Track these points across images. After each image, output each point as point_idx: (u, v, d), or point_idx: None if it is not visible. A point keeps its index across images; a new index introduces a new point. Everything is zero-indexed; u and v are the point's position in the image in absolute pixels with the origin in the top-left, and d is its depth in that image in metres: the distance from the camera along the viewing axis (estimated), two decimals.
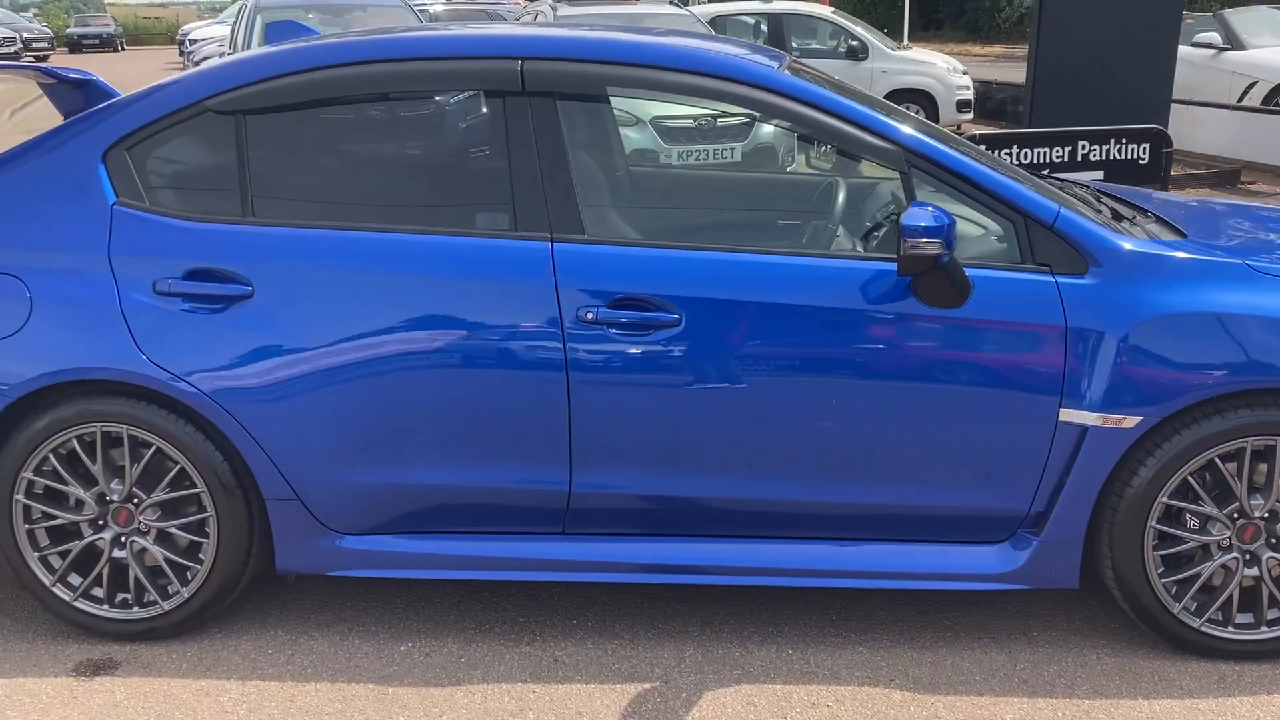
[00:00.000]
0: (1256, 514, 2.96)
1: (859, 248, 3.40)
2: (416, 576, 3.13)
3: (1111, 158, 8.80)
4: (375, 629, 3.24)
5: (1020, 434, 2.94)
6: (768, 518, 3.07)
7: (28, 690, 2.96)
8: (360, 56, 3.10)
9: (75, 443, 3.04)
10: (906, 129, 3.02)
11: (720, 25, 13.59)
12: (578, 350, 2.92)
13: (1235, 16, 12.77)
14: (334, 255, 2.98)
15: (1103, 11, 8.83)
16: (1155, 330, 2.87)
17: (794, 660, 3.07)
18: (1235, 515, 2.96)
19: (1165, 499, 2.94)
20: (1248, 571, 3.00)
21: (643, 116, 8.56)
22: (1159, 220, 3.38)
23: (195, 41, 24.61)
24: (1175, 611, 3.01)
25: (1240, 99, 11.69)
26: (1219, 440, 2.89)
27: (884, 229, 3.23)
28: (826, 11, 14.49)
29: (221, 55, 10.16)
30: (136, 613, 3.15)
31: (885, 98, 9.02)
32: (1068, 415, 2.91)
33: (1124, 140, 9.14)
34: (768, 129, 9.16)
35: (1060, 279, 2.91)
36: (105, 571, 3.13)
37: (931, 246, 2.73)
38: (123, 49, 44.99)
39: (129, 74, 25.92)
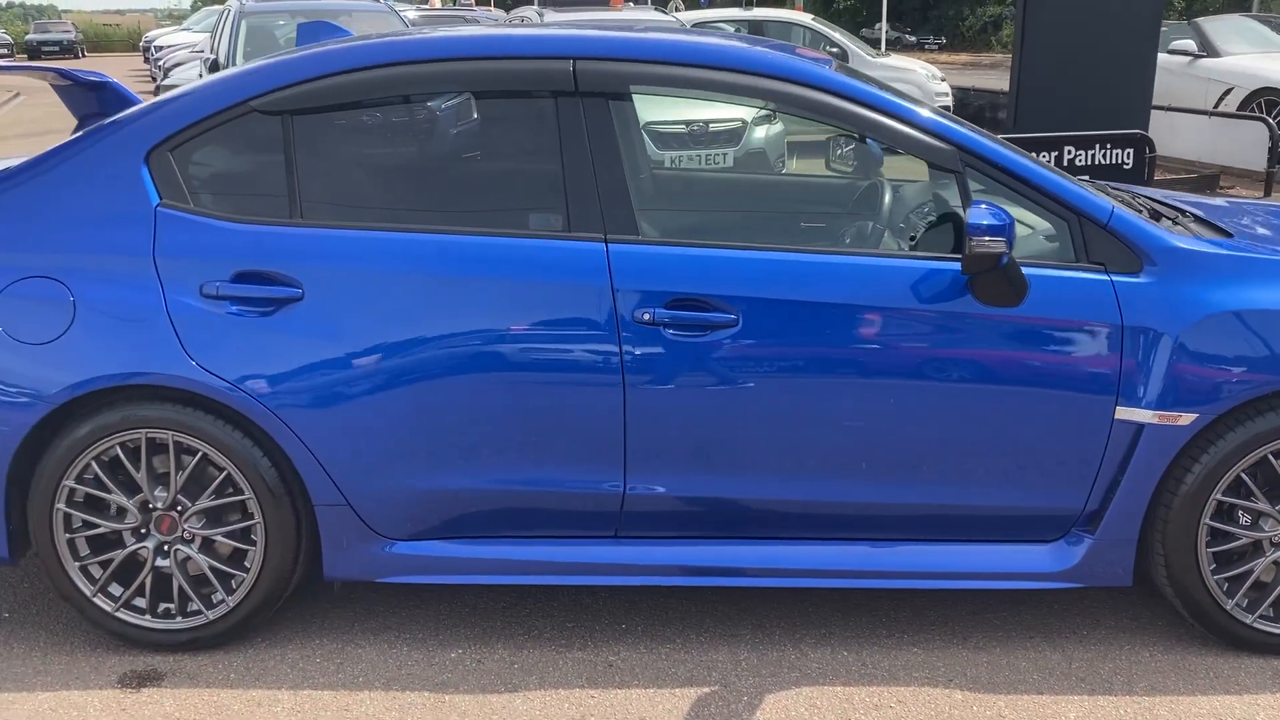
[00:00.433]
0: None
1: (905, 247, 3.40)
2: (467, 582, 3.09)
3: (1096, 162, 8.92)
4: (422, 636, 3.19)
5: (1076, 432, 2.95)
6: (822, 519, 3.06)
7: (74, 703, 2.89)
8: (409, 56, 3.06)
9: (118, 449, 2.98)
10: (962, 128, 3.03)
11: (701, 31, 13.60)
12: (633, 351, 2.90)
13: (1210, 24, 12.97)
14: (384, 257, 2.94)
15: (1084, 20, 8.94)
16: (1210, 328, 2.89)
17: (850, 662, 3.06)
18: None
19: (1219, 495, 2.96)
20: None
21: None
22: (1198, 219, 3.41)
23: (161, 49, 24.34)
24: (1228, 608, 3.03)
25: (1216, 105, 11.85)
26: (1272, 436, 2.92)
27: (931, 228, 3.23)
28: (807, 19, 14.58)
29: (208, 61, 10.02)
30: (180, 622, 3.09)
31: None
32: (1124, 413, 2.92)
33: (1109, 145, 9.27)
34: (759, 134, 9.19)
35: (1115, 278, 2.93)
36: (148, 581, 3.07)
37: (996, 245, 2.73)
38: (83, 55, 44.45)
39: None
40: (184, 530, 3.04)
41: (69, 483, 2.98)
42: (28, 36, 44.38)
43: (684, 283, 2.91)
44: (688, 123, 8.74)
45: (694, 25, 12.84)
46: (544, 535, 3.09)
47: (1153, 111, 9.67)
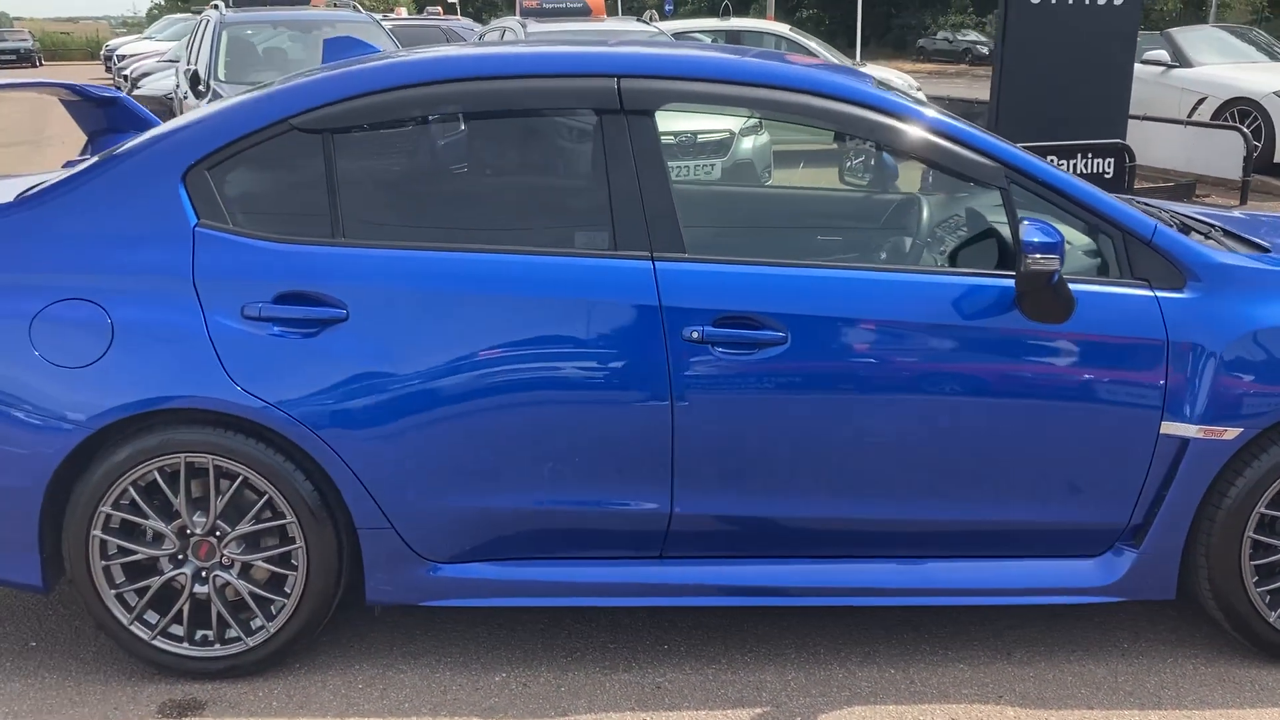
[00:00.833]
0: None
1: (941, 262, 3.40)
2: (512, 605, 3.06)
3: (1079, 172, 9.03)
4: (464, 660, 3.15)
5: (1122, 447, 2.96)
6: (869, 536, 3.06)
7: None
8: (450, 74, 3.02)
9: (156, 474, 2.91)
10: (1007, 145, 3.04)
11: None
12: (682, 370, 2.88)
13: (1182, 35, 13.14)
14: (430, 276, 2.90)
15: (1063, 34, 9.04)
16: (1255, 343, 2.91)
17: (898, 680, 3.05)
18: None
19: (1262, 508, 2.98)
20: None
21: None
22: (1228, 234, 3.44)
23: (124, 58, 24.04)
24: (1271, 620, 3.06)
25: (1190, 114, 12.01)
26: None
27: (966, 244, 3.23)
28: (783, 29, 14.63)
29: (188, 73, 9.89)
30: (218, 650, 3.02)
31: None
32: (1169, 428, 2.94)
33: (1090, 155, 9.41)
34: (746, 145, 9.20)
35: (1160, 294, 2.95)
36: (185, 608, 3.00)
37: (1050, 262, 2.74)
38: (40, 64, 43.78)
39: None
40: (223, 556, 2.98)
41: (105, 508, 2.92)
42: None
43: (732, 300, 2.90)
44: (676, 134, 8.73)
45: (674, 35, 12.84)
46: (589, 556, 3.06)
47: (1129, 121, 9.80)
